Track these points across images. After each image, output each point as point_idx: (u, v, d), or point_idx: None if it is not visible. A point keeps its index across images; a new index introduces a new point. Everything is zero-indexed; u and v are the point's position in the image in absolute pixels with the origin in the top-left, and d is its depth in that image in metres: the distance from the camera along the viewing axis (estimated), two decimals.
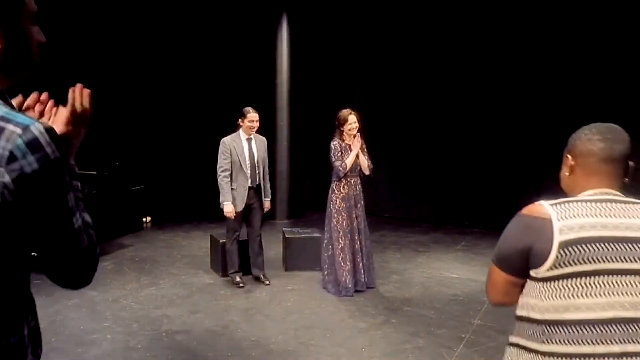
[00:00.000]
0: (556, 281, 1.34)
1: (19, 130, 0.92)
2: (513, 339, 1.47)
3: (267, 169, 4.99)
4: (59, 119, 1.16)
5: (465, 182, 7.78)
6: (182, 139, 8.50)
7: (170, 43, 8.19)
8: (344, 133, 4.69)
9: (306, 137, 8.29)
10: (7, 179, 0.90)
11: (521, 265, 1.42)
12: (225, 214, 4.76)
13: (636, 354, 1.30)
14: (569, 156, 1.53)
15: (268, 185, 5.02)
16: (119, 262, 5.70)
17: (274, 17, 8.04)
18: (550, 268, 1.33)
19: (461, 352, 3.56)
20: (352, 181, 4.75)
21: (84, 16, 6.80)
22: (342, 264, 4.69)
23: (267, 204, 4.99)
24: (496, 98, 7.66)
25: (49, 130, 0.96)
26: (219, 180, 4.77)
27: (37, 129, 0.94)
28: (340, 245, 4.70)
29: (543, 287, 1.36)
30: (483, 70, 7.68)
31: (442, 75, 7.94)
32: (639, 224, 1.33)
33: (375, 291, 4.89)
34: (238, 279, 4.95)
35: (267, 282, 5.01)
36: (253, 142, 4.88)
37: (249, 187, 4.81)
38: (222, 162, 4.77)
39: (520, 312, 1.44)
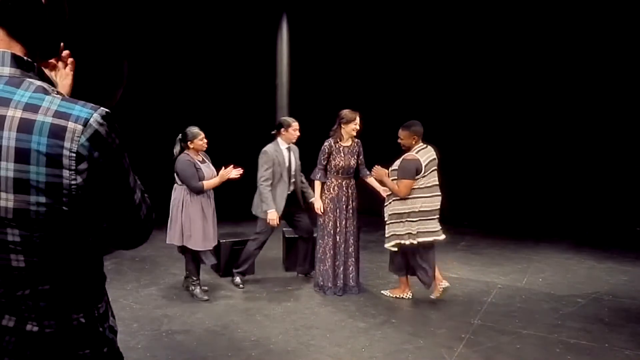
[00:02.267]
0: (422, 177, 4.37)
1: (80, 128, 0.94)
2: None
3: (302, 175, 5.08)
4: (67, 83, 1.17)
5: (464, 182, 7.78)
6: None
7: (170, 43, 8.18)
8: (344, 132, 4.66)
9: (306, 137, 8.29)
10: (79, 180, 0.94)
11: (414, 175, 4.34)
12: (269, 221, 4.69)
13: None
14: (415, 136, 4.44)
15: (310, 190, 5.02)
16: (119, 262, 5.71)
17: (274, 17, 8.04)
18: (422, 173, 4.36)
19: (461, 352, 3.56)
20: (344, 183, 4.70)
21: (82, 16, 6.80)
22: (321, 263, 4.72)
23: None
24: (495, 97, 7.66)
25: (107, 117, 0.98)
26: (261, 189, 4.74)
27: (96, 121, 0.95)
28: (322, 245, 4.71)
29: (419, 179, 4.37)
30: (481, 69, 7.68)
31: (442, 74, 7.94)
32: (433, 155, 4.48)
33: (375, 291, 4.89)
34: (238, 279, 4.95)
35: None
36: (292, 151, 4.94)
37: (288, 194, 4.86)
38: (264, 173, 4.74)
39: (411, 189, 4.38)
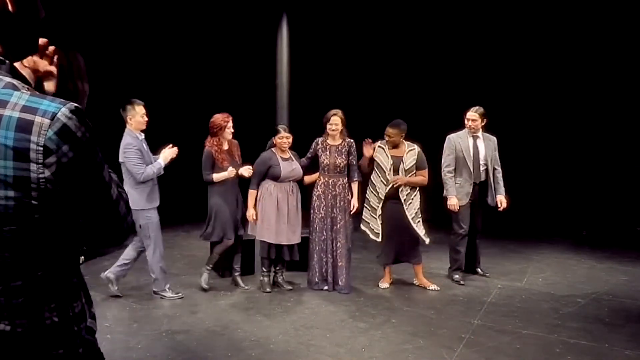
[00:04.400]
0: None
1: (47, 121, 0.93)
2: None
3: (498, 168, 5.15)
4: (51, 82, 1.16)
5: None
6: (182, 139, 8.47)
7: (170, 44, 8.18)
8: (328, 131, 4.79)
9: (306, 137, 8.29)
10: (47, 173, 0.94)
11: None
12: (449, 206, 5.02)
13: None
14: (403, 133, 4.77)
15: (501, 183, 5.16)
16: None
17: (274, 17, 8.04)
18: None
19: (461, 352, 3.56)
20: (331, 181, 4.78)
21: (82, 16, 6.81)
22: (311, 259, 4.85)
23: (501, 199, 5.13)
24: (494, 98, 7.65)
25: (76, 111, 0.97)
26: (442, 175, 5.08)
27: (64, 114, 0.95)
28: (312, 240, 4.84)
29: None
30: (482, 69, 7.68)
31: (442, 74, 7.94)
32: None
33: (375, 291, 4.90)
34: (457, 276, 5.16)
35: (487, 274, 5.27)
36: (479, 141, 5.06)
37: (473, 183, 5.01)
38: (447, 159, 5.08)
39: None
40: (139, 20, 7.68)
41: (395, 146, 4.81)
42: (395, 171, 4.77)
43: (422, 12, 7.94)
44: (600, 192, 7.35)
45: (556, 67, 7.35)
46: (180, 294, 4.61)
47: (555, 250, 6.57)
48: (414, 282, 5.07)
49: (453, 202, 5.02)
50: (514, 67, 7.53)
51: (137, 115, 4.42)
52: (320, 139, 4.86)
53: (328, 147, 4.81)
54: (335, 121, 4.74)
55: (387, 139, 4.82)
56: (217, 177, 4.63)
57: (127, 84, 7.66)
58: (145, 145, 4.51)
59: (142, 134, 4.52)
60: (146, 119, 4.48)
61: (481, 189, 5.12)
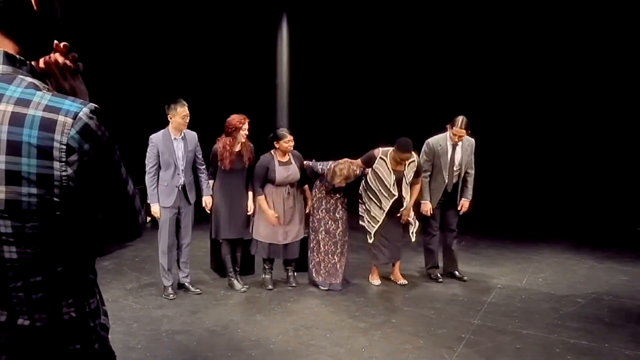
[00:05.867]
0: None
1: (69, 121, 0.96)
2: None
3: (470, 171, 5.08)
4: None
5: None
6: None
7: (170, 43, 8.19)
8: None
9: (306, 137, 8.28)
10: (69, 171, 0.96)
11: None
12: (422, 211, 5.02)
13: None
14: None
15: (470, 187, 5.09)
16: (119, 262, 5.70)
17: (274, 17, 8.04)
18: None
19: (461, 352, 3.56)
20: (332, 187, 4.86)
21: (81, 15, 6.80)
22: (311, 258, 4.95)
23: (463, 202, 5.08)
24: (494, 98, 7.66)
25: (96, 111, 1.00)
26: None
27: (85, 114, 0.98)
28: (313, 241, 4.93)
29: None
30: (481, 68, 7.68)
31: (442, 74, 7.94)
32: None
33: (375, 291, 4.90)
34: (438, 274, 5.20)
35: (465, 278, 5.19)
36: (458, 147, 4.98)
37: (445, 190, 5.02)
38: (424, 164, 5.04)
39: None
40: (138, 21, 7.68)
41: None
42: (398, 185, 4.79)
43: (421, 12, 7.94)
44: (601, 192, 7.35)
45: (557, 67, 7.35)
46: (171, 296, 4.59)
47: (555, 250, 6.56)
48: (390, 277, 5.16)
49: (427, 208, 5.02)
50: (516, 67, 7.53)
51: (177, 116, 4.38)
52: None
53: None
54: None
55: (399, 160, 4.72)
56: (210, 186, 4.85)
57: (127, 85, 7.66)
58: (179, 146, 4.46)
59: (182, 134, 4.48)
60: (187, 120, 4.43)
61: (453, 190, 5.10)
